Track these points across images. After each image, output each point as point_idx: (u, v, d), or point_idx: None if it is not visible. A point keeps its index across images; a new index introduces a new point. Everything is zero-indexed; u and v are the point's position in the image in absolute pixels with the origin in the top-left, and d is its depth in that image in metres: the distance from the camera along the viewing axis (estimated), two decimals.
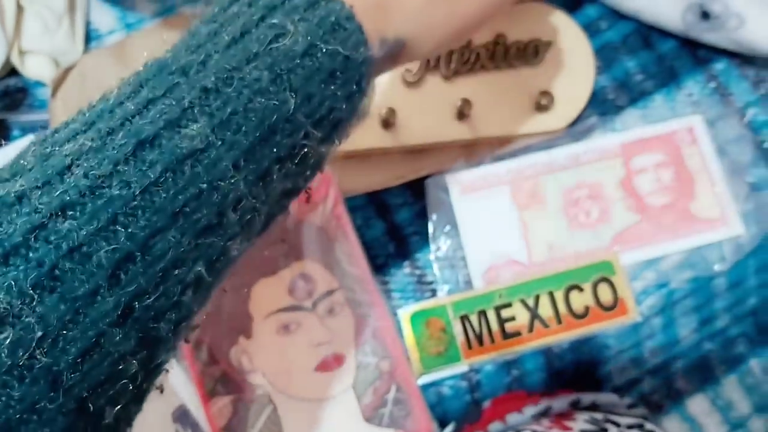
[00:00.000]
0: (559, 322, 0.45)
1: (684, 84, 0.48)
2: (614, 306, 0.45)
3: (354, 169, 0.47)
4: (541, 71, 0.47)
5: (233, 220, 0.23)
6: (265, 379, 0.43)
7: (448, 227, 0.46)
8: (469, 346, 0.45)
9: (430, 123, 0.47)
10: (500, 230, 0.46)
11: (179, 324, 0.23)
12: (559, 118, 0.47)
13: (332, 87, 0.26)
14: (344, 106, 0.27)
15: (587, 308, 0.45)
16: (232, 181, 0.23)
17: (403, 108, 0.47)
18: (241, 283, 0.44)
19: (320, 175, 0.43)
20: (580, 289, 0.45)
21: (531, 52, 0.47)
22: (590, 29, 0.48)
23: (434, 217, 0.47)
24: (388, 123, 0.46)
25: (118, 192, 0.21)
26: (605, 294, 0.45)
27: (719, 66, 0.49)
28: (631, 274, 0.46)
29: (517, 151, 0.47)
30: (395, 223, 0.47)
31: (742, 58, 0.48)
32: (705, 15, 0.45)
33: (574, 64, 0.47)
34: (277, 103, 0.24)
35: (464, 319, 0.45)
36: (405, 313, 0.45)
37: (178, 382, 0.43)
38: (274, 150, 0.24)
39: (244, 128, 0.23)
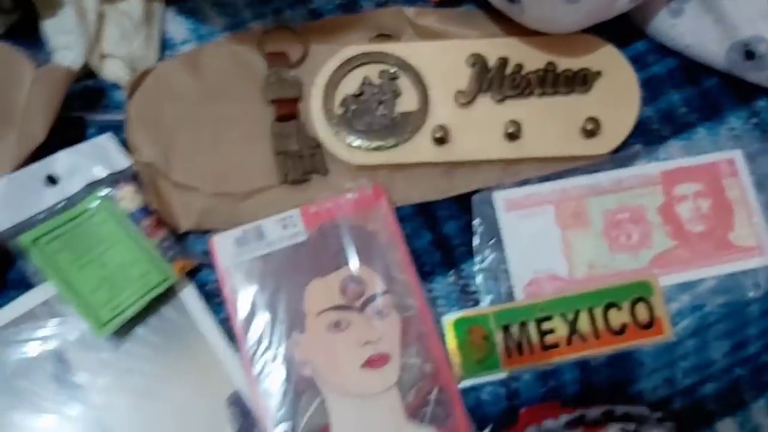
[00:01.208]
0: (597, 337, 0.47)
1: (726, 119, 0.51)
2: (651, 325, 0.47)
3: (406, 181, 0.50)
4: (589, 99, 0.50)
5: None
6: (315, 372, 0.45)
7: (492, 241, 0.49)
8: (509, 355, 0.47)
9: (480, 141, 0.49)
10: (543, 247, 0.49)
11: None
12: (604, 144, 0.50)
13: None
14: None
15: (624, 325, 0.47)
16: None
17: (455, 126, 0.49)
18: (298, 282, 0.47)
19: (374, 184, 0.46)
20: (618, 307, 0.47)
21: (580, 80, 0.50)
22: (638, 62, 0.51)
23: (480, 230, 0.49)
24: (440, 140, 0.49)
25: None
26: (642, 313, 0.47)
27: (761, 103, 0.51)
28: (667, 295, 0.48)
29: (562, 172, 0.50)
30: (442, 234, 0.50)
31: None
32: (749, 55, 0.47)
33: (621, 94, 0.50)
34: None
35: (505, 328, 0.47)
36: (449, 319, 0.47)
37: (233, 369, 0.46)
38: None
39: None
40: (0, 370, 0.44)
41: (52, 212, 0.45)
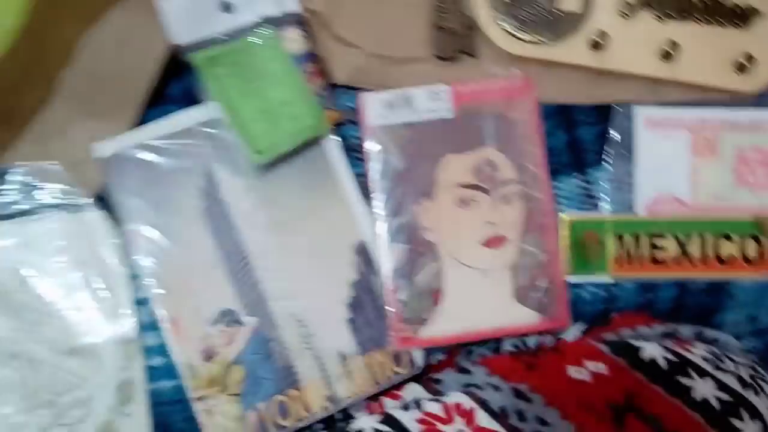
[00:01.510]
0: (704, 262, 0.49)
1: None
2: (757, 261, 0.49)
3: (553, 80, 0.51)
4: (748, 35, 0.50)
5: None
6: (437, 239, 0.49)
7: (625, 153, 0.51)
8: (618, 263, 0.50)
9: (634, 55, 0.50)
10: (672, 169, 0.50)
11: None
12: (753, 82, 0.50)
13: None
14: None
15: (731, 257, 0.49)
16: None
17: (612, 35, 0.50)
18: (435, 154, 0.49)
19: (525, 76, 0.48)
20: (730, 239, 0.49)
21: (742, 15, 0.50)
22: None
23: (614, 141, 0.51)
24: (596, 45, 0.50)
25: None
26: (751, 250, 0.49)
27: None
28: None
29: (704, 101, 0.51)
30: (576, 137, 0.52)
31: None
32: None
33: None
34: None
35: (619, 237, 0.50)
36: (567, 218, 0.50)
37: (362, 221, 0.49)
38: None
39: None
40: (152, 174, 0.47)
41: (224, 38, 0.47)
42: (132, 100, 0.47)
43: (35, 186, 0.47)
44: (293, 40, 0.48)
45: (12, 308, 0.46)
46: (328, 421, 0.49)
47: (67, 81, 0.47)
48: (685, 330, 0.49)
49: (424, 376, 0.49)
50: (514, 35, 0.50)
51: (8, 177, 0.47)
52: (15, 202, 0.47)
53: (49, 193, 0.47)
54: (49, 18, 0.44)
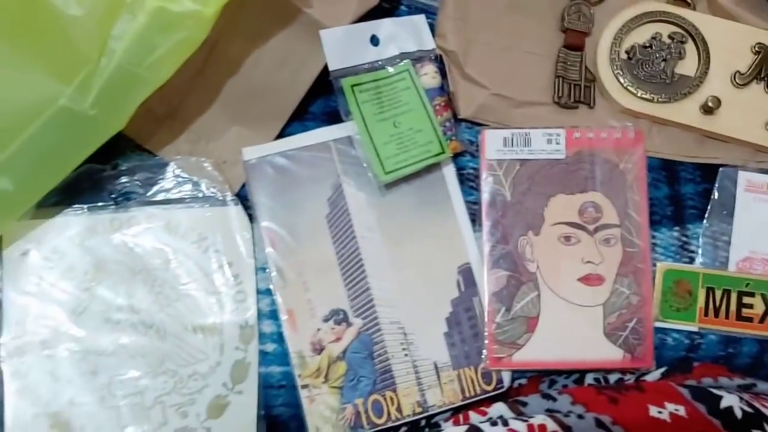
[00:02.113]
0: None
1: None
2: None
3: (662, 136, 0.55)
4: None
5: None
6: (538, 270, 0.52)
7: (724, 212, 0.54)
8: (705, 314, 0.52)
9: (742, 122, 0.54)
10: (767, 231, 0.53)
11: None
12: None
13: None
14: None
15: None
16: None
17: (724, 102, 0.54)
18: (545, 192, 0.53)
19: (637, 129, 0.51)
20: None
21: None
22: None
23: (716, 199, 0.54)
24: (708, 110, 0.53)
25: None
26: None
27: None
28: None
29: None
30: (679, 192, 0.55)
31: None
32: None
33: None
34: None
35: (710, 290, 0.53)
36: (662, 266, 0.53)
37: (470, 245, 0.54)
38: None
39: None
40: (287, 180, 0.53)
41: (371, 68, 0.52)
42: (281, 113, 0.53)
43: (187, 178, 0.53)
44: (428, 74, 0.53)
45: (153, 283, 0.52)
46: (412, 426, 0.53)
47: (226, 91, 0.53)
48: (764, 386, 0.51)
49: (509, 398, 0.52)
50: (630, 91, 0.54)
51: (165, 168, 0.53)
52: (168, 190, 0.53)
53: (197, 186, 0.53)
54: (224, 32, 0.50)
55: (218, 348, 0.52)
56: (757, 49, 0.54)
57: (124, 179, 0.53)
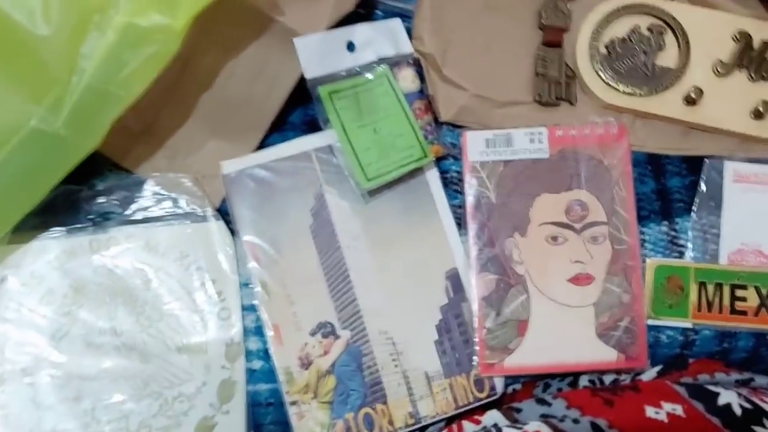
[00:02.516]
0: None
1: None
2: None
3: (645, 129, 0.54)
4: None
5: None
6: (527, 272, 0.51)
7: (712, 204, 0.53)
8: (699, 309, 0.52)
9: (726, 112, 0.53)
10: (757, 222, 0.52)
11: None
12: None
13: None
14: None
15: None
16: None
17: (706, 92, 0.53)
18: (530, 192, 0.52)
19: (620, 124, 0.50)
20: None
21: None
22: None
23: (703, 192, 0.53)
24: (691, 101, 0.53)
25: None
26: None
27: None
28: None
29: None
30: (666, 186, 0.54)
31: None
32: None
33: None
34: None
35: (702, 285, 0.52)
36: (653, 262, 0.52)
37: (456, 249, 0.53)
38: None
39: None
40: (268, 192, 0.52)
41: (348, 74, 0.51)
42: (259, 125, 0.52)
43: (165, 195, 0.52)
44: (406, 78, 0.52)
45: (134, 304, 0.51)
46: None
47: (202, 104, 0.52)
48: (762, 380, 0.50)
49: (503, 405, 0.51)
50: (611, 86, 0.54)
51: (143, 186, 0.52)
52: (146, 208, 0.52)
53: (177, 202, 0.52)
54: (196, 45, 0.49)
55: (204, 367, 0.51)
56: (737, 36, 0.53)
57: (101, 199, 0.52)
